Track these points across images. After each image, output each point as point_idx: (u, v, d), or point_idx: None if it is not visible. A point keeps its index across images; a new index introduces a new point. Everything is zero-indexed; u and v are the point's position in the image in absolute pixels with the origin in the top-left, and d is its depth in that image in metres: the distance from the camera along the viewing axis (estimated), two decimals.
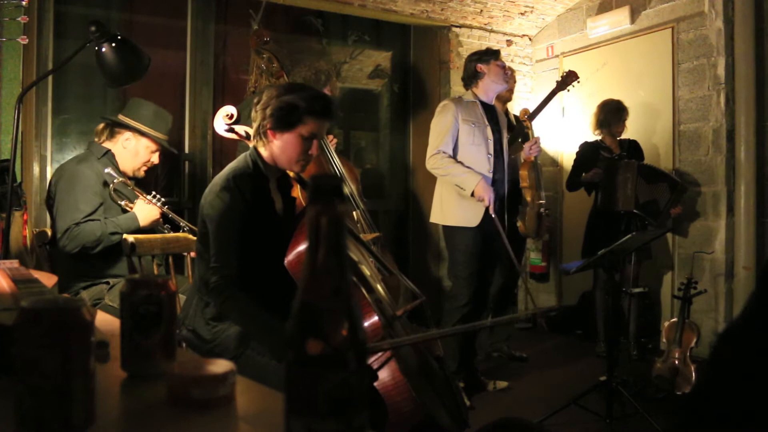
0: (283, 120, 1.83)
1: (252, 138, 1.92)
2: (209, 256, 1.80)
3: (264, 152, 1.90)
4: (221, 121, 2.21)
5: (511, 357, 4.12)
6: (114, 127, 2.75)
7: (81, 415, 0.68)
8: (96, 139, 2.76)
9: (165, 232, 2.71)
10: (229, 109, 2.20)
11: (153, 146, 2.76)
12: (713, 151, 3.96)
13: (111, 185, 2.62)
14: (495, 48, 3.50)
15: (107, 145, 2.73)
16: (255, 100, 1.90)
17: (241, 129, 2.22)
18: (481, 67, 3.29)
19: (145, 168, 2.78)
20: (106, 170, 2.60)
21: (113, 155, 2.70)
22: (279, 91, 1.85)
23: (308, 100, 1.82)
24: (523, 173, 3.46)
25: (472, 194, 3.12)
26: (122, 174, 2.73)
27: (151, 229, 2.68)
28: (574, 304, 4.76)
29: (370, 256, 2.05)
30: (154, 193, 2.73)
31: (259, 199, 1.87)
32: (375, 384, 1.63)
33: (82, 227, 2.48)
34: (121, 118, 2.75)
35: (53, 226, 2.63)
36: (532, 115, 3.73)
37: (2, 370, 0.79)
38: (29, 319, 0.66)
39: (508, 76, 3.38)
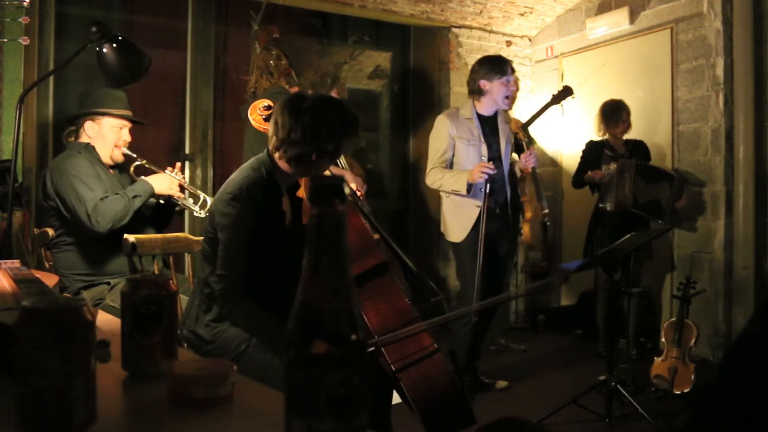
0: (294, 159, 1.86)
1: (271, 147, 1.91)
2: (216, 259, 1.82)
3: (279, 162, 1.90)
4: (258, 112, 2.23)
5: (510, 350, 4.19)
6: (75, 124, 2.74)
7: (82, 414, 0.68)
8: (68, 142, 2.77)
9: (182, 204, 2.75)
10: (266, 102, 2.23)
11: (116, 123, 2.71)
12: (712, 151, 3.96)
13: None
14: (500, 53, 3.49)
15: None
16: (277, 110, 1.88)
17: None
18: (484, 84, 3.22)
19: (119, 149, 2.73)
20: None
21: (93, 147, 2.69)
22: (293, 124, 1.82)
23: (320, 150, 1.84)
24: (522, 187, 3.44)
25: (470, 188, 3.15)
26: (105, 164, 2.71)
27: (169, 198, 2.71)
28: (573, 304, 4.76)
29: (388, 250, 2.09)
30: (169, 168, 2.75)
31: (269, 209, 1.87)
32: (414, 363, 1.72)
33: (107, 201, 2.49)
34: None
35: (53, 225, 2.63)
36: (526, 125, 3.73)
37: (3, 369, 0.79)
38: (30, 319, 0.67)
39: (513, 95, 3.29)
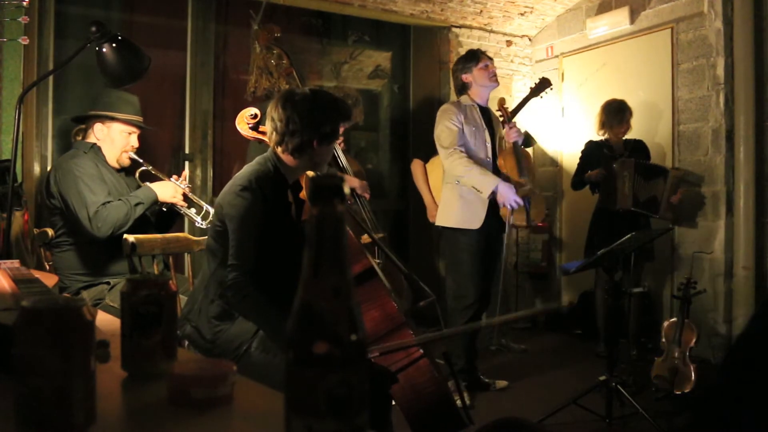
0: (297, 149, 1.92)
1: (271, 143, 1.95)
2: (223, 253, 1.82)
3: (283, 157, 1.95)
4: (245, 121, 2.23)
5: (510, 350, 4.21)
6: (85, 124, 2.74)
7: (81, 414, 0.68)
8: (75, 140, 2.77)
9: (185, 213, 2.75)
10: (253, 110, 2.24)
11: (125, 128, 2.71)
12: (713, 151, 3.96)
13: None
14: (500, 53, 3.50)
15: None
16: (271, 107, 1.92)
17: (265, 129, 2.25)
18: (466, 77, 3.34)
19: (126, 154, 2.73)
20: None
21: (99, 148, 2.69)
22: (289, 115, 1.88)
23: (320, 135, 1.91)
24: (500, 161, 3.39)
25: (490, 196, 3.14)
26: (111, 166, 2.71)
27: (172, 206, 2.72)
28: (573, 304, 4.76)
29: (382, 252, 2.10)
30: (175, 176, 2.76)
31: (278, 201, 1.91)
32: (400, 370, 1.74)
33: (108, 207, 2.49)
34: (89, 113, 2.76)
35: (55, 224, 2.63)
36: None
37: (2, 370, 0.79)
38: (30, 319, 0.67)
39: (494, 73, 3.35)
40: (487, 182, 3.13)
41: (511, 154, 3.34)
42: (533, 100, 3.82)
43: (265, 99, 3.51)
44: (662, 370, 3.23)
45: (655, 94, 4.33)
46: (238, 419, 0.76)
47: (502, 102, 3.47)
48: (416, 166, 3.87)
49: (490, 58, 3.39)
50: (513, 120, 3.50)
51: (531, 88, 3.86)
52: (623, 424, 2.81)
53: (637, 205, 3.77)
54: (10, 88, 3.17)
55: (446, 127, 3.26)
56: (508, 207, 3.13)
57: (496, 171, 3.30)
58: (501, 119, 3.44)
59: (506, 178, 3.28)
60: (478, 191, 3.15)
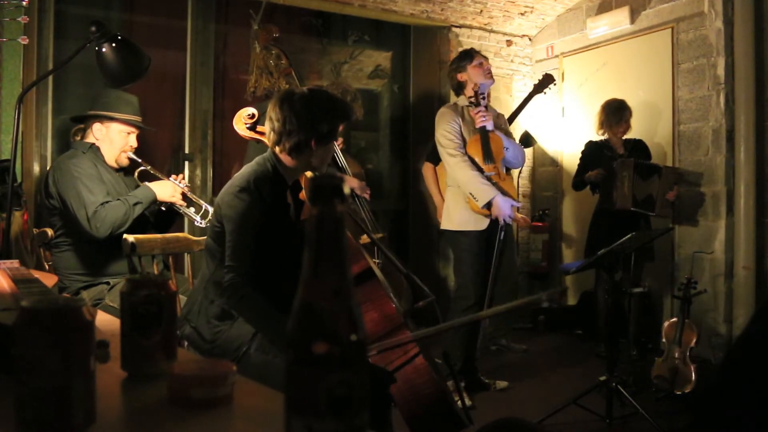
0: (295, 149, 1.91)
1: (270, 143, 1.94)
2: (222, 254, 1.82)
3: (282, 157, 1.94)
4: (243, 121, 2.23)
5: (510, 350, 4.21)
6: (84, 123, 2.74)
7: (81, 414, 0.68)
8: (74, 140, 2.77)
9: (183, 212, 2.76)
10: (250, 110, 2.24)
11: (123, 128, 2.71)
12: (713, 151, 3.96)
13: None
14: (500, 52, 3.49)
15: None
16: (269, 107, 1.92)
17: (262, 129, 2.25)
18: (461, 76, 3.34)
19: (125, 154, 2.73)
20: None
21: (98, 148, 2.69)
22: (287, 115, 1.88)
23: (318, 135, 1.89)
24: (467, 147, 3.32)
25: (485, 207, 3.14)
26: (109, 166, 2.72)
27: (171, 205, 2.73)
28: (574, 304, 4.76)
29: (382, 252, 2.10)
30: (173, 176, 2.76)
31: (276, 202, 1.90)
32: (397, 369, 1.73)
33: (107, 207, 2.49)
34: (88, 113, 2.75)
35: (54, 224, 2.63)
36: (511, 117, 3.66)
37: (2, 370, 0.79)
38: (29, 319, 0.67)
39: (488, 70, 3.35)
40: (485, 192, 3.13)
41: (477, 141, 3.30)
42: (536, 97, 3.82)
43: (265, 99, 3.50)
44: (663, 370, 3.23)
45: (655, 94, 4.33)
46: (238, 419, 0.76)
47: (474, 87, 3.41)
48: (427, 169, 3.88)
49: (485, 57, 3.40)
50: (479, 106, 3.42)
51: (534, 84, 3.86)
52: (623, 425, 2.80)
53: (636, 205, 3.77)
54: (10, 88, 3.17)
55: (446, 130, 3.27)
56: (501, 220, 3.13)
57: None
58: (469, 104, 3.35)
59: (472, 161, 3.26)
60: (474, 199, 3.16)
